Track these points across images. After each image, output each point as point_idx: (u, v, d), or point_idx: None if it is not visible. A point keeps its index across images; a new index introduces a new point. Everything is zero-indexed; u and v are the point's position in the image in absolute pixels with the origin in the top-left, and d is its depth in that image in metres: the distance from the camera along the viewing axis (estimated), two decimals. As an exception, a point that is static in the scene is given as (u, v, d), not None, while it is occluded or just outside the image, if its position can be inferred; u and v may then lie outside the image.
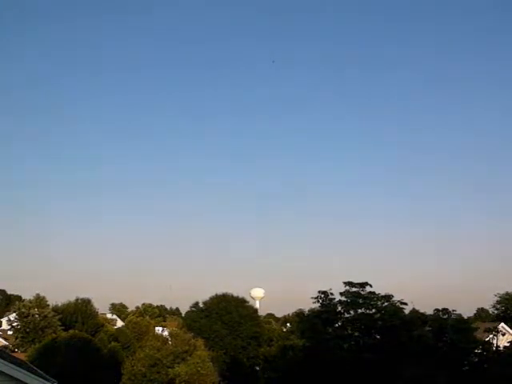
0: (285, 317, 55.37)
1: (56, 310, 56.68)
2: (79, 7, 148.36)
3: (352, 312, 36.14)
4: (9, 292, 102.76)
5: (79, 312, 54.28)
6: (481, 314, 77.54)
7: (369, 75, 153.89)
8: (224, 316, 50.68)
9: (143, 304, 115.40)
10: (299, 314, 52.50)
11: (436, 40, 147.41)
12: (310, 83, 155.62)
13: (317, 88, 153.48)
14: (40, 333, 46.54)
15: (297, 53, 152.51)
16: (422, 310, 40.42)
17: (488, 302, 69.84)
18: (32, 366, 19.26)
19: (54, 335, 42.64)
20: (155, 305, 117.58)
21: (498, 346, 34.55)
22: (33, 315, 51.54)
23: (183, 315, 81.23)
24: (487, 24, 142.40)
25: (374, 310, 36.20)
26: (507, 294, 66.44)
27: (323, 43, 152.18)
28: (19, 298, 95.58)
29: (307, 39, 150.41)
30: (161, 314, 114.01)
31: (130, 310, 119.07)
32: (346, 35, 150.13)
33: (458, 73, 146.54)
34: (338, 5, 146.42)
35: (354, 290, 36.48)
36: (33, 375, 14.53)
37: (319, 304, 37.18)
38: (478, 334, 34.98)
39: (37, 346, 38.78)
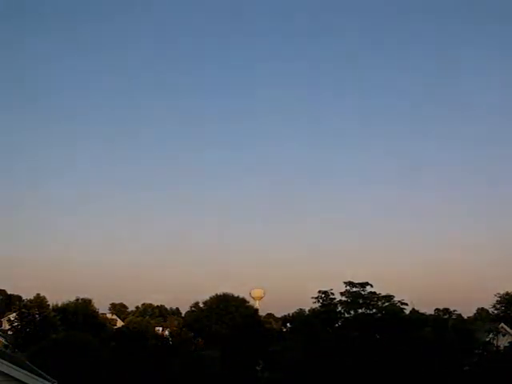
0: (285, 317, 55.28)
1: (56, 309, 56.70)
2: None
3: (352, 312, 36.17)
4: (9, 292, 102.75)
5: (80, 312, 54.30)
6: (481, 313, 77.45)
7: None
8: (224, 316, 50.70)
9: (143, 304, 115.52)
10: (299, 314, 52.60)
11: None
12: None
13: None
14: (40, 333, 46.52)
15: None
16: (422, 310, 40.51)
17: (488, 302, 69.86)
18: (32, 366, 19.25)
19: (54, 335, 42.65)
20: (155, 305, 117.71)
21: (498, 347, 34.53)
22: (33, 315, 51.53)
23: (183, 315, 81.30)
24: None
25: (374, 310, 36.24)
26: (507, 293, 66.40)
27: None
28: (19, 298, 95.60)
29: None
30: (161, 313, 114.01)
31: (129, 310, 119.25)
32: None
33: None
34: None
35: (354, 289, 36.52)
36: (33, 375, 14.53)
37: (319, 304, 37.21)
38: (478, 334, 34.96)
39: (37, 345, 38.77)
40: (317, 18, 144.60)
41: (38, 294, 70.59)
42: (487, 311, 73.81)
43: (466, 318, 59.77)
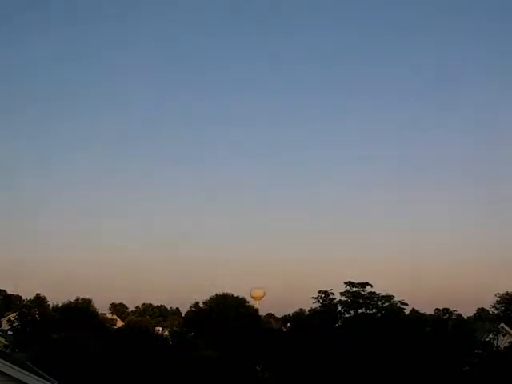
0: (285, 317, 55.19)
1: (56, 309, 56.78)
2: None
3: (352, 312, 36.24)
4: (9, 292, 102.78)
5: (79, 312, 54.29)
6: (481, 313, 77.47)
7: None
8: (224, 316, 50.65)
9: (143, 304, 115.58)
10: (299, 314, 52.66)
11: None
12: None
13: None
14: (40, 333, 46.55)
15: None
16: (422, 311, 40.58)
17: (488, 302, 69.88)
18: (32, 366, 19.25)
19: (54, 335, 42.63)
20: (155, 305, 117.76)
21: (498, 347, 34.56)
22: (33, 315, 51.61)
23: (183, 315, 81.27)
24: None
25: (374, 310, 36.31)
26: (507, 293, 66.45)
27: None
28: (19, 298, 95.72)
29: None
30: (161, 313, 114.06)
31: (129, 310, 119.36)
32: None
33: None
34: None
35: (354, 289, 36.60)
36: (33, 375, 14.54)
37: (319, 304, 37.30)
38: (478, 334, 35.00)
39: (37, 345, 38.77)
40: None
41: (38, 294, 70.81)
42: (487, 311, 73.83)
43: (466, 318, 59.90)
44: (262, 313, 79.69)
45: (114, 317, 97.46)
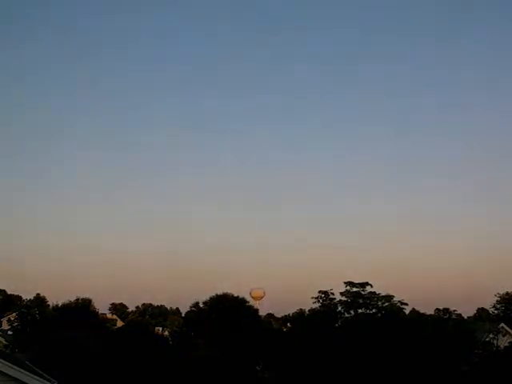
0: (285, 317, 55.29)
1: (56, 309, 56.80)
2: None
3: (352, 312, 36.25)
4: (9, 292, 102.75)
5: (79, 312, 54.28)
6: (481, 313, 77.44)
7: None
8: (224, 316, 50.63)
9: (143, 304, 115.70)
10: (299, 314, 52.70)
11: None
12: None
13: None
14: (40, 333, 46.57)
15: None
16: (422, 310, 40.61)
17: (488, 302, 69.85)
18: (32, 366, 19.25)
19: (54, 335, 42.64)
20: (155, 305, 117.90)
21: (498, 347, 34.57)
22: (33, 315, 51.63)
23: (183, 315, 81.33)
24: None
25: (374, 310, 36.31)
26: (507, 293, 66.43)
27: None
28: (19, 298, 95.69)
29: None
30: (161, 313, 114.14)
31: (130, 310, 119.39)
32: None
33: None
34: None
35: (354, 289, 36.60)
36: (33, 375, 14.53)
37: (319, 304, 37.31)
38: (478, 334, 35.01)
39: (37, 345, 38.77)
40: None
41: (38, 294, 70.79)
42: (487, 311, 73.81)
43: (466, 318, 59.94)
44: (262, 313, 79.61)
45: (114, 317, 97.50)
